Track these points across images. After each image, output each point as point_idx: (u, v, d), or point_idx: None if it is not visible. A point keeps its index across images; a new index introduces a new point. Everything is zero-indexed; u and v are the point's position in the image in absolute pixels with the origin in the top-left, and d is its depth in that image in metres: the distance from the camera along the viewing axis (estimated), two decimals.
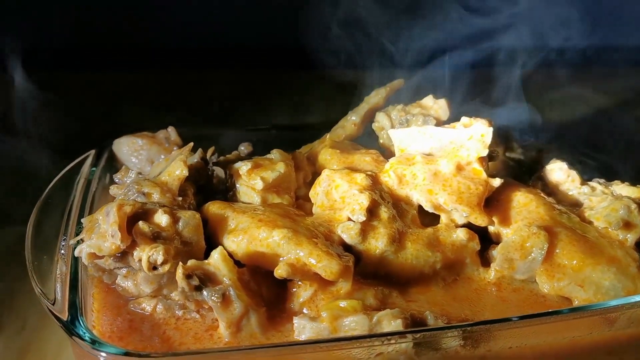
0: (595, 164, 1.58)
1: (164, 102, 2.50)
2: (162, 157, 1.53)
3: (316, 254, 1.04)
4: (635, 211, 1.15)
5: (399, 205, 1.20)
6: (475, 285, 1.18)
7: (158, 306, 1.06)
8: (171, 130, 1.58)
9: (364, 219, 1.13)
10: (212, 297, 0.98)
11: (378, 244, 1.12)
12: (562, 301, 1.12)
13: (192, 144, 1.30)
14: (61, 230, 1.22)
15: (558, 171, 1.34)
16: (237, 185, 1.28)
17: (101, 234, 1.03)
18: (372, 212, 1.15)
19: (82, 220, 1.12)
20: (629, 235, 1.15)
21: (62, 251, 1.14)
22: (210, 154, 1.51)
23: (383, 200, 1.18)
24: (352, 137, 1.55)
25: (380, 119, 1.52)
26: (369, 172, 1.24)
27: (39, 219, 1.24)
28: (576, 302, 1.10)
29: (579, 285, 1.10)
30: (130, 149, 1.55)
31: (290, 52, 1.87)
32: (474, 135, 1.24)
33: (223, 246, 1.10)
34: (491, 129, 1.23)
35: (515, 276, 1.16)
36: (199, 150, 1.41)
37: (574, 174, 1.33)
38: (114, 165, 1.56)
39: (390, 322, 0.96)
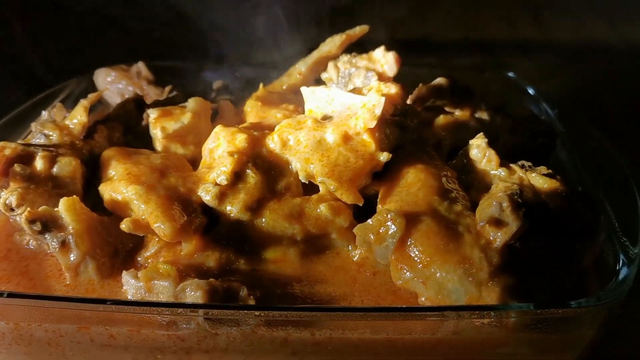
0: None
1: None
2: (131, 89, 1.61)
3: (155, 214, 1.08)
4: (507, 210, 1.00)
5: (274, 170, 1.17)
6: (338, 262, 1.14)
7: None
8: (141, 65, 1.65)
9: (226, 182, 1.13)
10: (52, 242, 1.08)
11: (233, 209, 1.12)
12: (412, 294, 1.06)
13: (99, 93, 1.33)
14: None
15: (475, 148, 1.19)
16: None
17: None
18: (238, 176, 1.15)
19: None
20: (499, 234, 1.01)
21: None
22: (167, 92, 1.56)
23: (255, 165, 1.16)
24: (296, 86, 1.48)
25: (329, 70, 1.45)
26: (256, 133, 1.21)
27: None
28: (422, 300, 1.03)
29: (422, 282, 1.01)
30: (104, 80, 1.65)
31: None
32: (367, 104, 1.15)
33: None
34: (383, 99, 1.13)
35: (377, 259, 1.10)
36: (134, 91, 1.47)
37: (491, 153, 1.17)
38: None
39: (191, 292, 0.99)
